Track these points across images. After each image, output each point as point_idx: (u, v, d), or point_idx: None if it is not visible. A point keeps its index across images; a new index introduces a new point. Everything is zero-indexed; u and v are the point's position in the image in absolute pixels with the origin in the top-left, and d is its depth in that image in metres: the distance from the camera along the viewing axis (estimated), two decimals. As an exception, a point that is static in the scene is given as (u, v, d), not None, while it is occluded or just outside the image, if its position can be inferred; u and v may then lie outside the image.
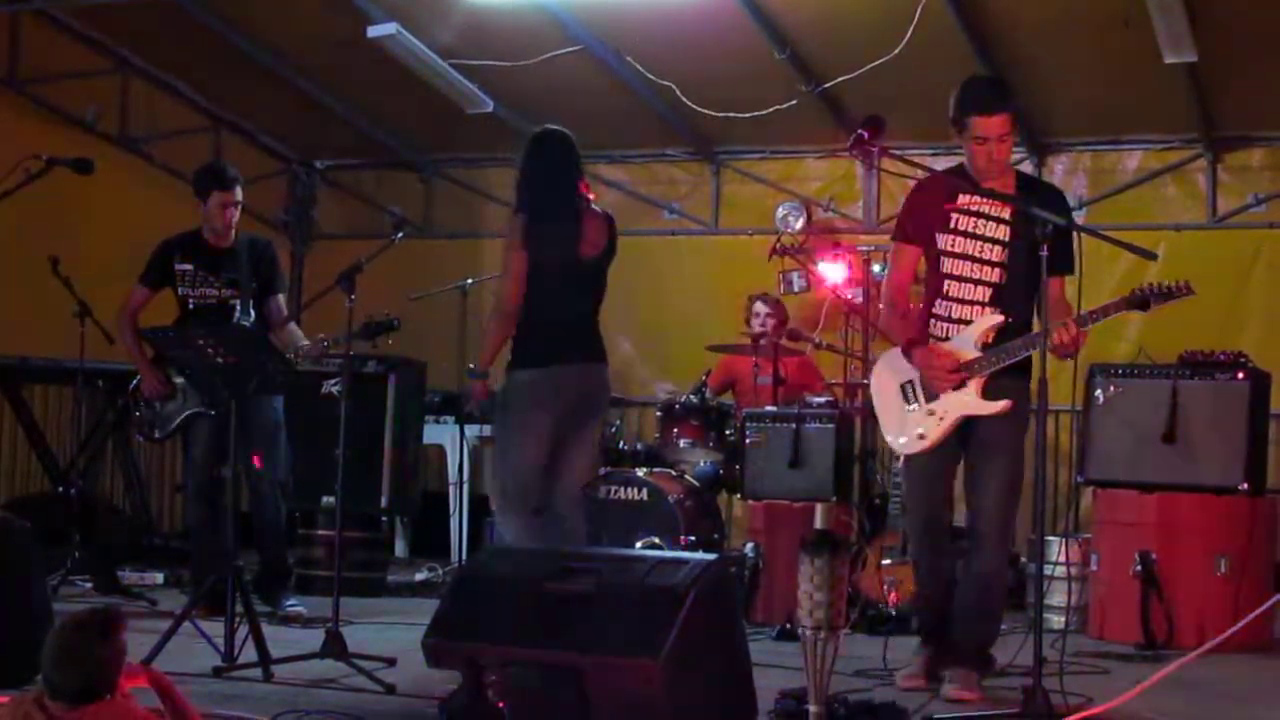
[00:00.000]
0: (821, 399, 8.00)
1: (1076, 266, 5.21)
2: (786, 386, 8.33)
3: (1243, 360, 6.89)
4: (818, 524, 4.29)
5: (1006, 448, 5.28)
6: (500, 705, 4.15)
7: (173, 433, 7.14)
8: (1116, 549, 6.91)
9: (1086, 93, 8.74)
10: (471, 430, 8.72)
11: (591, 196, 6.02)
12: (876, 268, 9.35)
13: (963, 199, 5.33)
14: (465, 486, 8.62)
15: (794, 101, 8.84)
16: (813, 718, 4.17)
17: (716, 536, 7.76)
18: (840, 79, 8.52)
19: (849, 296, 9.30)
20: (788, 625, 6.56)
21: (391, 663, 5.50)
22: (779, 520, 7.34)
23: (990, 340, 5.26)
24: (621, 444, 8.28)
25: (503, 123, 9.62)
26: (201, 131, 10.21)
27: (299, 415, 7.23)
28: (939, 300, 5.38)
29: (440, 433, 9.23)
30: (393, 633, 6.31)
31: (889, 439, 5.56)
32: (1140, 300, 5.03)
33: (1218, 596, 6.66)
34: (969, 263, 5.32)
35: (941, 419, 5.30)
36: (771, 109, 8.90)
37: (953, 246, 5.34)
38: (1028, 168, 9.40)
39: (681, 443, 8.02)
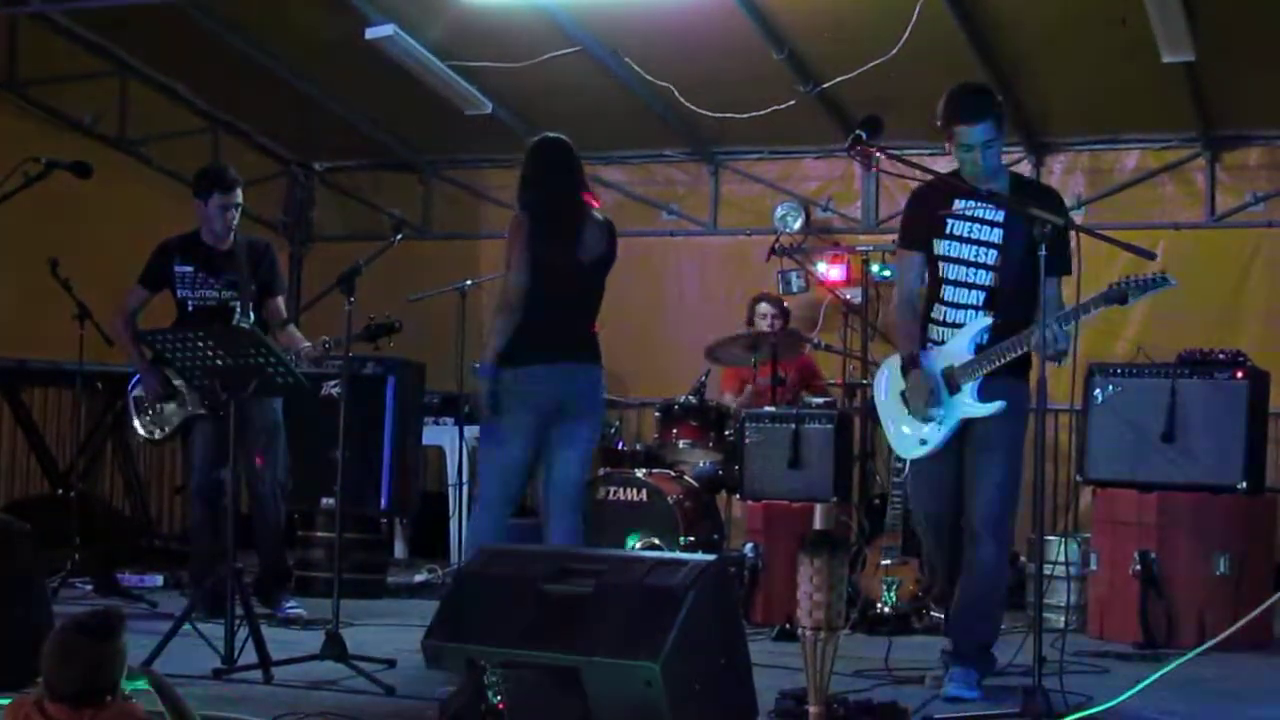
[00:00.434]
0: (821, 399, 8.00)
1: (1074, 267, 5.23)
2: (789, 387, 8.35)
3: (1241, 359, 6.89)
4: (817, 524, 4.30)
5: (1002, 446, 5.30)
6: (500, 706, 4.15)
7: (172, 434, 7.14)
8: (1116, 548, 6.92)
9: (1085, 92, 8.74)
10: (471, 431, 8.72)
11: (595, 205, 6.05)
12: (875, 268, 9.37)
13: (958, 204, 5.37)
14: (465, 488, 8.63)
15: (792, 102, 8.84)
16: (812, 718, 4.17)
17: (716, 537, 7.76)
18: (838, 79, 8.53)
19: (847, 297, 9.31)
20: (787, 626, 6.56)
21: (391, 664, 5.51)
22: (778, 520, 7.34)
23: (985, 343, 5.29)
24: (620, 444, 8.28)
25: (501, 124, 9.62)
26: (200, 133, 10.21)
27: (298, 417, 7.23)
28: (936, 305, 5.42)
29: (439, 434, 9.23)
30: (392, 634, 6.31)
31: (893, 445, 5.61)
32: (1118, 294, 5.04)
33: (1217, 595, 6.66)
34: (963, 267, 5.36)
35: (941, 423, 5.34)
36: (770, 109, 8.91)
37: (948, 251, 5.38)
38: (1026, 167, 9.41)
39: (680, 443, 8.03)
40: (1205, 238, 9.14)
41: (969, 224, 5.35)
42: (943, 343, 5.37)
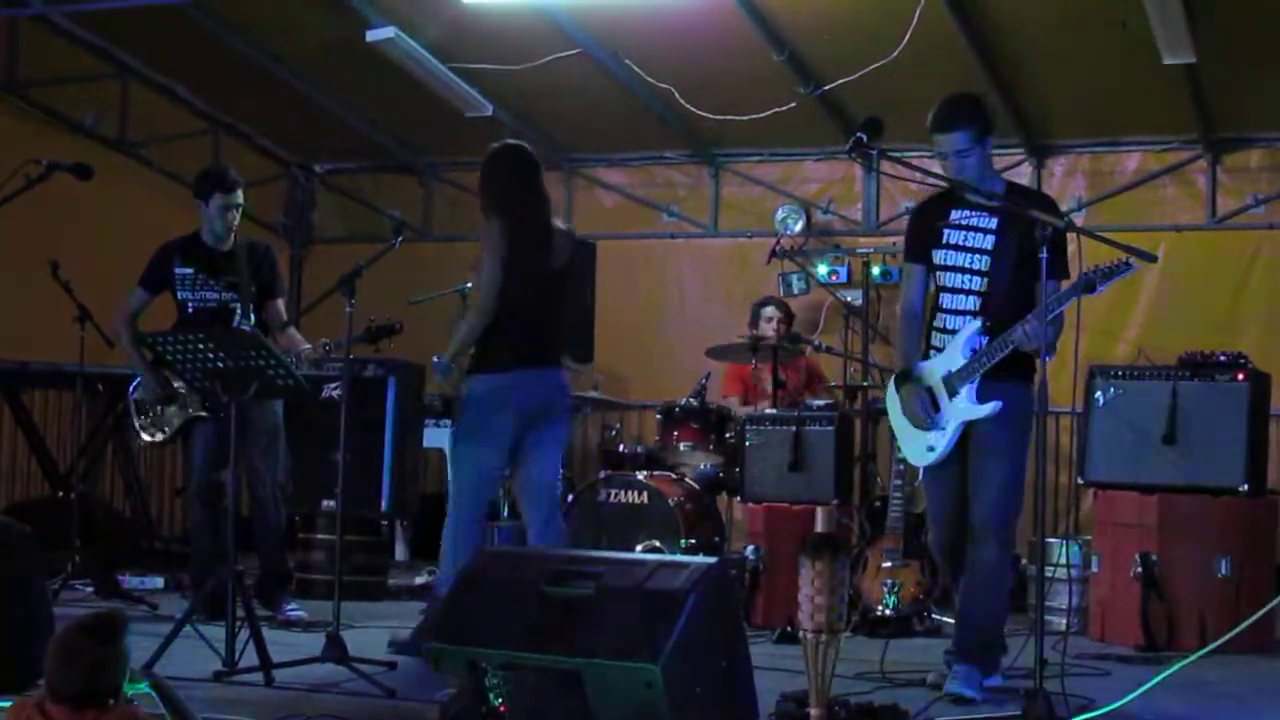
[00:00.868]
0: (822, 402, 8.00)
1: (1071, 270, 5.27)
2: (791, 390, 8.35)
3: (1242, 361, 6.89)
4: (818, 527, 4.29)
5: (1003, 448, 5.33)
6: (501, 709, 4.15)
7: (172, 436, 7.14)
8: (1117, 550, 6.91)
9: (1085, 94, 8.74)
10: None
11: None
12: (876, 270, 9.38)
13: (954, 215, 5.45)
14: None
15: (793, 104, 8.84)
16: (814, 720, 4.17)
17: (717, 539, 7.76)
18: (839, 81, 8.53)
19: (848, 299, 9.31)
20: (788, 628, 6.55)
21: (392, 666, 5.51)
22: (779, 523, 7.34)
23: (979, 347, 5.34)
24: (621, 447, 8.28)
25: (502, 126, 9.61)
26: (200, 135, 10.21)
27: (299, 419, 7.23)
28: (938, 313, 5.52)
29: (440, 436, 9.19)
30: (396, 633, 6.30)
31: (906, 456, 5.71)
32: (1087, 284, 5.06)
33: (1218, 597, 6.66)
34: (959, 274, 5.44)
35: (944, 429, 5.39)
36: (770, 111, 8.90)
37: (945, 260, 5.47)
38: (1027, 169, 9.42)
39: (681, 445, 8.03)
40: (1206, 240, 9.14)
41: (964, 233, 5.44)
42: (943, 349, 5.45)
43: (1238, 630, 5.29)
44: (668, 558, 4.54)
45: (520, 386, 5.94)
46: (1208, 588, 6.70)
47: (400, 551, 9.71)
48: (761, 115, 8.95)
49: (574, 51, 8.67)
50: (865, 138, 5.03)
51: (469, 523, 5.98)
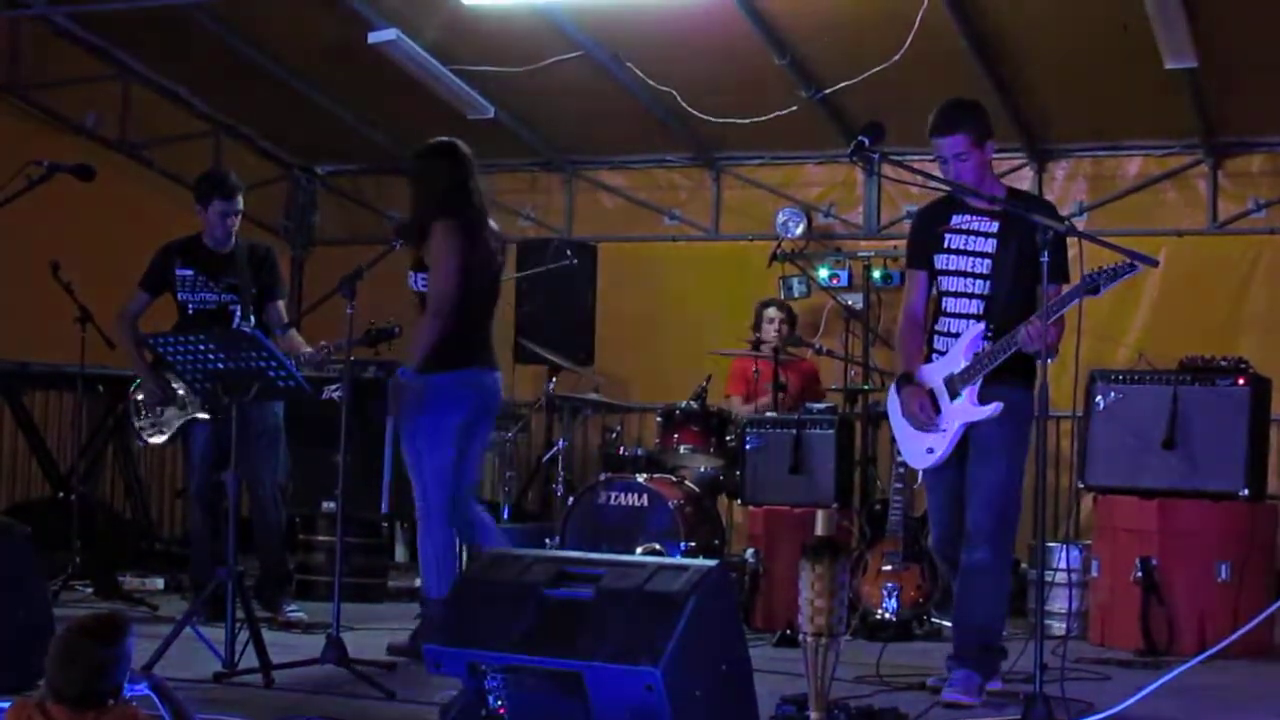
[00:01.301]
0: (822, 405, 8.00)
1: (1071, 275, 5.27)
2: (792, 393, 8.35)
3: (1243, 366, 6.90)
4: (818, 530, 4.29)
5: (1001, 450, 5.33)
6: (500, 711, 4.15)
7: (173, 438, 7.14)
8: (1117, 555, 6.92)
9: (1087, 98, 8.74)
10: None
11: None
12: (877, 274, 9.38)
13: (955, 219, 5.47)
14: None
15: (794, 107, 8.84)
16: (813, 724, 4.17)
17: (716, 542, 7.75)
18: (841, 85, 8.52)
19: (849, 302, 9.31)
20: (788, 631, 6.56)
21: (392, 668, 5.51)
22: (779, 526, 7.34)
23: (981, 349, 5.34)
24: (622, 449, 8.28)
25: (503, 128, 9.63)
26: (202, 137, 10.21)
27: (299, 420, 7.23)
28: (939, 317, 5.52)
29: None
30: (393, 638, 6.30)
31: (906, 459, 5.70)
32: (1091, 285, 5.06)
33: (1218, 602, 6.67)
34: (960, 278, 5.45)
35: (945, 431, 5.39)
36: (772, 114, 8.90)
37: (946, 265, 5.48)
38: (1028, 173, 9.42)
39: (682, 448, 8.02)
40: (1207, 244, 9.13)
41: (965, 237, 5.45)
42: (945, 352, 5.45)
43: (1237, 635, 5.29)
44: (668, 560, 4.54)
45: (478, 384, 6.00)
46: (1208, 593, 6.71)
47: (400, 553, 9.70)
48: (763, 118, 8.95)
49: (575, 54, 8.67)
50: (867, 141, 5.05)
51: (441, 524, 5.98)
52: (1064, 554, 7.02)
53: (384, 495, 7.81)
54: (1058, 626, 6.80)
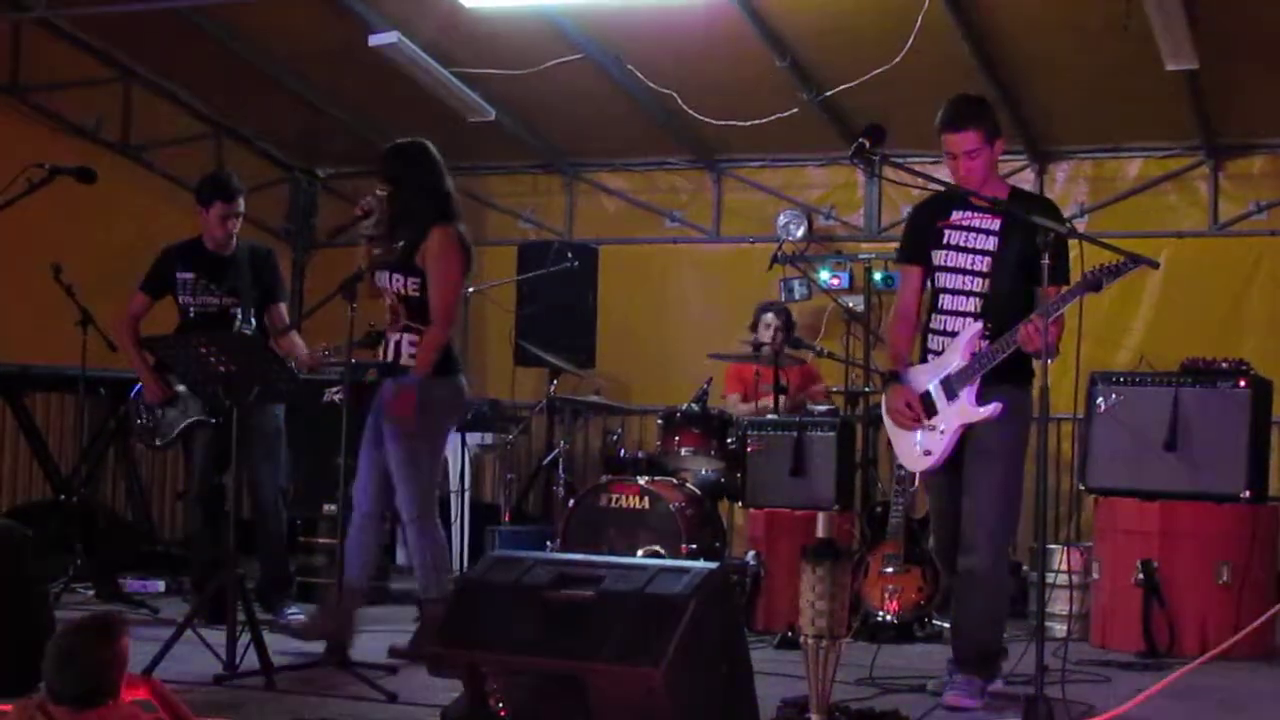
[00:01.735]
0: (823, 407, 7.99)
1: (1071, 276, 5.25)
2: (792, 394, 8.35)
3: (1244, 368, 6.90)
4: (819, 532, 4.29)
5: (999, 452, 5.31)
6: (502, 713, 4.15)
7: (174, 440, 7.14)
8: (1118, 557, 6.91)
9: (1087, 100, 8.74)
10: (473, 439, 8.71)
11: None
12: (877, 276, 9.38)
13: (955, 215, 5.42)
14: (466, 494, 8.61)
15: (795, 109, 8.84)
16: (814, 726, 4.17)
17: (717, 545, 7.74)
18: (841, 87, 8.53)
19: (849, 305, 9.31)
20: (789, 633, 6.55)
21: (393, 671, 5.51)
22: (780, 528, 7.34)
23: (979, 349, 5.31)
24: (622, 452, 8.27)
25: (504, 131, 9.63)
26: (203, 139, 10.21)
27: (300, 423, 7.23)
28: (935, 315, 5.47)
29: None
30: (394, 640, 6.30)
31: (902, 461, 5.65)
32: (1093, 282, 5.04)
33: (1219, 605, 6.66)
34: (959, 275, 5.40)
35: (943, 432, 5.35)
36: (772, 117, 8.90)
37: (945, 261, 5.43)
38: (1029, 175, 9.42)
39: (683, 451, 8.00)
40: (1208, 246, 9.14)
41: (965, 233, 5.40)
42: (940, 351, 5.40)
43: (1238, 637, 5.29)
44: (669, 563, 4.54)
45: (462, 391, 6.09)
46: (1209, 594, 6.71)
47: (401, 555, 9.69)
48: (763, 121, 8.96)
49: (576, 56, 8.68)
50: (867, 143, 5.03)
51: (436, 524, 6.00)
52: (1065, 556, 7.01)
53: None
54: (1059, 628, 6.80)
